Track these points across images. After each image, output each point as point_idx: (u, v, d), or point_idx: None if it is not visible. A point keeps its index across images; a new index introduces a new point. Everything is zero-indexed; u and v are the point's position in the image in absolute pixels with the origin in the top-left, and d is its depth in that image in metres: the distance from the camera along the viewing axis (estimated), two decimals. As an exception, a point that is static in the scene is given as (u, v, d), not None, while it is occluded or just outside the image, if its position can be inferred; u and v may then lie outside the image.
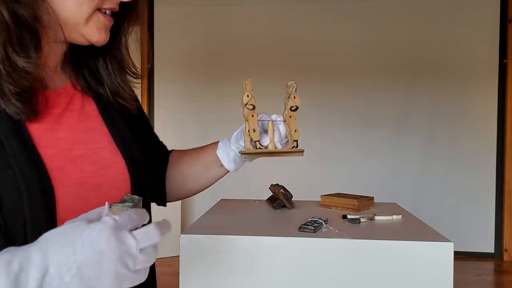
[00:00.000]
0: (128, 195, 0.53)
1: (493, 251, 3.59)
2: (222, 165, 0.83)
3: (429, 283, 0.71)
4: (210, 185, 0.90)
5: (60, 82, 0.68)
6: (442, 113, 3.62)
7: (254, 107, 0.75)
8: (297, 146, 0.77)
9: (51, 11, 0.59)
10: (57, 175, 0.59)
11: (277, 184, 1.10)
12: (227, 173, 0.85)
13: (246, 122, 0.75)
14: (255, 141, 0.74)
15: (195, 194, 0.91)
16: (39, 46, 0.59)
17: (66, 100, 0.67)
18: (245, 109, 0.75)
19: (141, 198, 0.53)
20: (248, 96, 0.75)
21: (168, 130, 3.84)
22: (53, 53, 0.65)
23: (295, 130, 0.78)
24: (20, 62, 0.56)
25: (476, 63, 3.58)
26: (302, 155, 0.77)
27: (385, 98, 3.66)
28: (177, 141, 3.82)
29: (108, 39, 0.65)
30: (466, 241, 3.53)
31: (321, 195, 1.10)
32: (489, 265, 3.44)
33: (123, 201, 0.52)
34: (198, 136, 3.70)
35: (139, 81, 0.77)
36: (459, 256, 3.46)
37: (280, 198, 1.05)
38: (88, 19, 0.62)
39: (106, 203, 0.50)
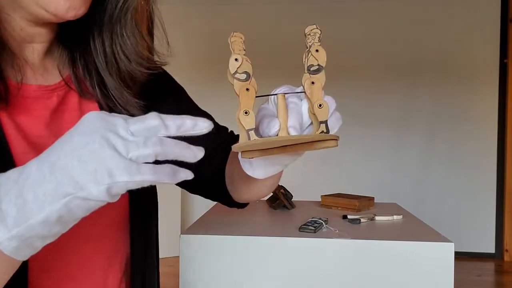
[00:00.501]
0: None
1: (493, 252, 3.58)
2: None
3: (430, 283, 0.71)
4: (267, 193, 0.69)
5: (52, 78, 0.56)
6: (443, 113, 3.62)
7: (248, 76, 0.49)
8: (326, 132, 0.47)
9: None
10: None
11: (278, 184, 1.10)
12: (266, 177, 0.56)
13: (238, 101, 0.49)
14: (247, 130, 0.47)
15: (258, 199, 0.69)
16: None
17: (59, 98, 0.55)
18: (235, 81, 0.49)
19: None
20: (236, 59, 0.49)
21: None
22: (30, 38, 0.53)
23: (320, 105, 0.48)
24: None
25: (477, 62, 3.58)
26: (336, 145, 0.47)
27: (385, 98, 3.66)
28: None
29: (80, 8, 0.49)
30: (467, 241, 3.52)
31: (322, 195, 1.10)
32: (490, 266, 3.43)
33: None
34: (198, 136, 3.69)
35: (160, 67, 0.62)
36: (459, 256, 3.46)
37: (280, 198, 1.05)
38: None
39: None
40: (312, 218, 0.86)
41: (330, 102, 0.50)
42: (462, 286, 2.88)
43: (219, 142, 0.69)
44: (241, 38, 0.51)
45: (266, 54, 3.78)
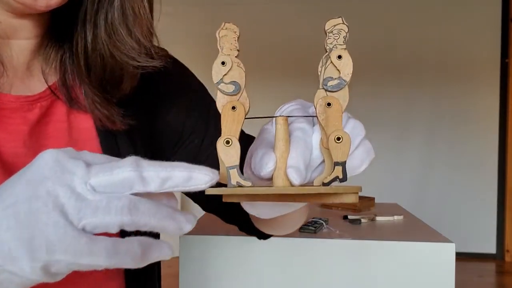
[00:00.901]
0: None
1: (494, 252, 3.57)
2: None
3: (431, 284, 0.71)
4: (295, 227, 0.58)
5: (34, 87, 0.46)
6: (444, 113, 3.61)
7: (238, 88, 0.35)
8: (342, 178, 0.36)
9: None
10: None
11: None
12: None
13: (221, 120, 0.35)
14: (228, 168, 0.34)
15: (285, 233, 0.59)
16: None
17: (42, 110, 0.46)
18: (219, 94, 0.35)
19: None
20: (224, 63, 0.35)
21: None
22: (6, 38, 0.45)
23: (338, 138, 0.34)
24: None
25: (478, 62, 3.57)
26: (356, 200, 0.36)
27: (385, 98, 3.66)
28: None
29: (61, 0, 0.40)
30: (468, 242, 3.52)
31: (322, 196, 1.09)
32: (491, 266, 3.43)
33: None
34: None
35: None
36: (460, 257, 3.45)
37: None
38: None
39: None
40: (313, 218, 0.85)
41: (356, 130, 0.36)
42: (463, 287, 2.87)
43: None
44: (235, 32, 0.35)
45: (265, 54, 3.78)
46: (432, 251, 0.71)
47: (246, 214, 0.50)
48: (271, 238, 0.75)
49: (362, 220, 0.89)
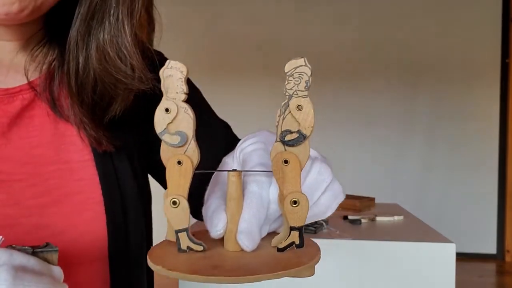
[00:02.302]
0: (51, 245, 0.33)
1: (495, 252, 3.57)
2: None
3: (431, 284, 0.71)
4: None
5: (15, 80, 0.46)
6: (444, 113, 3.61)
7: (185, 139, 0.31)
8: (299, 243, 0.32)
9: None
10: None
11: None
12: None
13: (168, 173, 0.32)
14: (176, 231, 0.32)
15: None
16: None
17: (23, 102, 0.45)
18: (163, 145, 0.32)
19: (56, 250, 0.33)
20: (167, 110, 0.31)
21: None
22: None
23: (295, 202, 0.31)
24: None
25: (478, 63, 3.57)
26: (312, 274, 0.31)
27: (386, 99, 3.66)
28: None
29: (20, 6, 0.39)
30: (468, 242, 3.51)
31: (322, 196, 1.09)
32: (491, 266, 3.42)
33: (45, 245, 0.33)
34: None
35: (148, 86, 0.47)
36: (461, 257, 3.45)
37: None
38: None
39: (1, 237, 0.31)
40: (313, 218, 0.86)
41: (321, 177, 0.32)
42: (464, 287, 2.87)
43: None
44: (182, 72, 0.31)
45: (265, 54, 3.78)
46: (432, 251, 0.71)
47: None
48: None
49: (362, 220, 0.89)
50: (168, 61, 0.32)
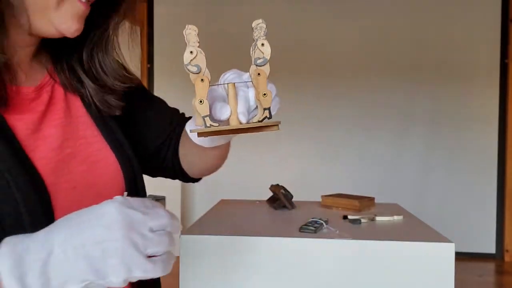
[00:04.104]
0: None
1: (494, 252, 3.58)
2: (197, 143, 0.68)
3: (430, 283, 0.71)
4: (218, 165, 0.77)
5: (38, 75, 0.60)
6: (443, 113, 3.62)
7: (199, 69, 0.54)
8: (269, 117, 0.55)
9: None
10: (51, 181, 0.53)
11: (278, 184, 1.10)
12: (211, 147, 0.68)
13: (195, 89, 0.54)
14: (203, 116, 0.53)
15: (211, 172, 0.79)
16: (3, 30, 0.53)
17: (48, 93, 0.59)
18: (188, 73, 0.54)
19: (164, 198, 0.53)
20: (191, 52, 0.54)
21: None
22: (25, 44, 0.58)
23: (264, 94, 0.54)
24: None
25: (477, 63, 3.58)
26: (278, 129, 0.57)
27: (385, 99, 3.66)
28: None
29: (81, 29, 0.56)
30: (467, 241, 3.52)
31: (322, 196, 1.10)
32: (490, 266, 3.43)
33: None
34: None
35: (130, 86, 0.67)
36: (460, 256, 3.45)
37: (280, 199, 1.05)
38: (59, 3, 0.53)
39: (125, 193, 0.47)
40: (313, 218, 0.85)
41: (272, 89, 0.57)
42: (463, 287, 2.87)
43: (174, 126, 0.75)
44: (195, 30, 0.54)
45: (266, 54, 3.77)
46: (431, 251, 0.71)
47: (183, 169, 0.75)
48: (271, 239, 0.76)
49: (362, 220, 0.89)
50: (187, 25, 0.54)
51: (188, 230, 0.88)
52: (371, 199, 1.06)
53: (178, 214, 3.48)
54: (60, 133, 0.57)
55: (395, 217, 0.92)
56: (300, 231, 0.80)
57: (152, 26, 3.81)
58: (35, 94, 0.57)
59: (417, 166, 3.64)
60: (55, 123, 0.57)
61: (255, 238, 0.78)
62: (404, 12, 3.65)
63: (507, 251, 3.51)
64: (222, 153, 0.74)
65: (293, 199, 1.05)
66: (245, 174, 3.58)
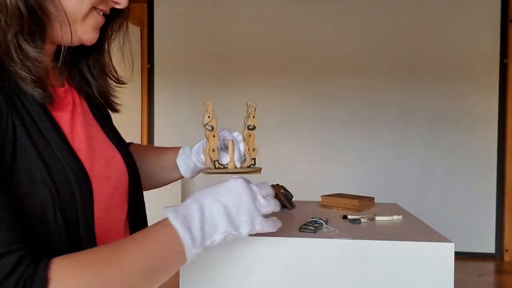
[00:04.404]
0: None
1: (493, 252, 3.58)
2: (179, 171, 0.90)
3: (430, 283, 0.71)
4: (166, 185, 0.96)
5: (60, 80, 0.70)
6: (443, 113, 3.62)
7: (213, 128, 0.78)
8: (254, 164, 0.80)
9: (57, 4, 0.61)
10: (87, 169, 0.63)
11: (278, 184, 1.10)
12: (183, 177, 0.92)
13: (207, 142, 0.77)
14: (214, 160, 0.77)
15: (150, 189, 0.94)
16: (44, 39, 0.61)
17: (71, 96, 0.69)
18: (205, 130, 0.77)
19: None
20: (209, 117, 0.78)
21: (168, 129, 3.84)
22: (48, 52, 0.67)
23: (254, 149, 0.80)
24: (31, 51, 0.58)
25: (477, 63, 3.58)
26: (260, 173, 0.79)
27: (385, 99, 3.66)
28: (177, 140, 3.81)
29: (97, 38, 0.68)
30: (467, 241, 3.52)
31: (322, 196, 1.10)
32: (490, 266, 3.43)
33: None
34: (198, 135, 3.69)
35: (123, 86, 0.81)
36: (460, 256, 3.46)
37: (280, 198, 1.05)
38: (85, 17, 0.64)
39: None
40: (312, 218, 0.85)
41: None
42: (462, 286, 2.88)
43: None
44: (212, 104, 0.78)
45: (265, 54, 3.78)
46: (431, 250, 0.71)
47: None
48: (272, 238, 0.76)
49: (362, 220, 0.89)
50: (205, 101, 0.76)
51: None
52: (371, 199, 1.06)
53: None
54: (83, 130, 0.67)
55: (395, 217, 0.92)
56: (299, 231, 0.80)
57: (152, 26, 3.81)
58: (64, 95, 0.68)
59: (417, 166, 3.64)
60: (79, 122, 0.67)
61: (255, 237, 0.78)
62: (404, 12, 3.65)
63: (506, 250, 3.51)
64: (175, 180, 0.96)
65: (293, 199, 1.05)
66: (245, 174, 3.58)
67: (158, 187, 0.96)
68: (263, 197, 0.63)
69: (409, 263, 0.71)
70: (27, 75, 0.58)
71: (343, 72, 3.70)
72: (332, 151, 3.73)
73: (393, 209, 1.05)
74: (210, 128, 0.77)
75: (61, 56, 0.66)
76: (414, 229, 0.84)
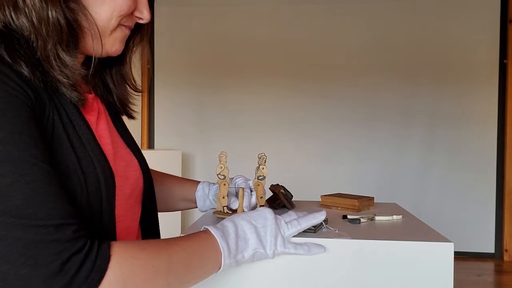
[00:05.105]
0: None
1: (493, 251, 3.59)
2: (195, 203, 1.01)
3: (429, 283, 0.71)
4: (176, 211, 1.04)
5: (88, 88, 0.77)
6: (443, 113, 3.62)
7: (225, 177, 0.88)
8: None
9: (90, 18, 0.67)
10: (111, 165, 0.69)
11: (277, 184, 1.10)
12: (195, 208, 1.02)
13: (219, 189, 0.88)
14: (223, 206, 0.89)
15: (160, 212, 1.00)
16: (77, 49, 0.67)
17: (96, 103, 0.75)
18: (218, 178, 0.87)
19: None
20: (221, 167, 0.87)
21: (168, 129, 3.84)
22: (79, 62, 0.72)
23: (261, 197, 0.91)
24: (68, 59, 0.64)
25: (476, 63, 3.58)
26: None
27: (385, 99, 3.67)
28: (177, 140, 3.82)
29: (122, 49, 0.74)
30: (467, 241, 3.53)
31: (321, 195, 1.10)
32: (490, 265, 3.44)
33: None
34: (198, 135, 3.70)
35: (139, 94, 0.88)
36: (459, 256, 3.46)
37: (280, 198, 1.05)
38: (112, 31, 0.70)
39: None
40: (312, 218, 0.86)
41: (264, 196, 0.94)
42: (462, 286, 2.88)
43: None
44: (226, 155, 0.88)
45: (266, 54, 3.79)
46: (431, 250, 0.72)
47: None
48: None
49: (362, 220, 0.89)
50: (221, 151, 0.88)
51: (188, 230, 0.89)
52: (371, 199, 1.06)
53: (178, 214, 3.48)
54: (107, 134, 0.73)
55: (395, 217, 0.92)
56: (300, 230, 0.80)
57: (152, 26, 3.81)
58: (92, 100, 0.74)
59: (416, 166, 3.65)
60: (104, 127, 0.73)
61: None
62: (404, 13, 3.65)
63: (506, 250, 3.52)
64: (186, 209, 1.07)
65: (293, 199, 1.05)
66: (245, 174, 3.58)
67: (169, 212, 1.04)
68: (285, 222, 0.72)
69: (408, 263, 0.71)
70: (65, 80, 0.64)
71: (343, 72, 3.71)
72: (331, 151, 3.73)
73: (392, 209, 1.05)
74: (222, 177, 0.87)
75: (92, 65, 0.71)
76: (413, 229, 0.84)
